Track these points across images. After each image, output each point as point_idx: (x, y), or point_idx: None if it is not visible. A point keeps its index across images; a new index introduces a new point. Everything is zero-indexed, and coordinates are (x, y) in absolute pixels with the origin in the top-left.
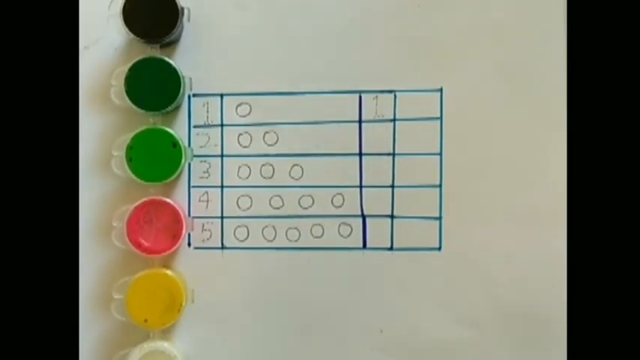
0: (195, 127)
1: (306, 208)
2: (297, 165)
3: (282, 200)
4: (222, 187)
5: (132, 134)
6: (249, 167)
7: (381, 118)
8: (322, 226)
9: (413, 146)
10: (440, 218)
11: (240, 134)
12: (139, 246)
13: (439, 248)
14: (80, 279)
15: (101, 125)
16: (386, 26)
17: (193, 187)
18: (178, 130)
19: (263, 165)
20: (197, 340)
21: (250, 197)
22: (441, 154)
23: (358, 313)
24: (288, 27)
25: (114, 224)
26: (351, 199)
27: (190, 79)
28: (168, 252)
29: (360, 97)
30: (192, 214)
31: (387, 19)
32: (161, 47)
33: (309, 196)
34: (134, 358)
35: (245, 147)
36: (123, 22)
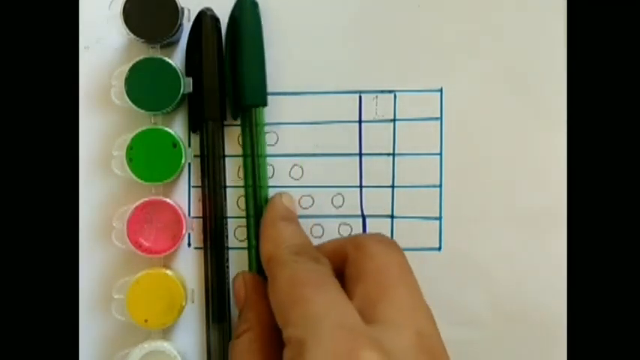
0: None
1: (306, 208)
2: (297, 165)
3: None
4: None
5: (132, 134)
6: None
7: (381, 118)
8: (322, 226)
9: (413, 146)
10: (440, 218)
11: (240, 134)
12: (139, 246)
13: (439, 248)
14: (80, 279)
15: (101, 125)
16: (386, 26)
17: (193, 187)
18: (178, 130)
19: None
20: (197, 340)
21: None
22: (441, 154)
23: None
24: (287, 27)
25: (114, 224)
26: (351, 199)
27: (190, 79)
28: (168, 252)
29: (360, 97)
30: (192, 214)
31: (387, 19)
32: (161, 47)
33: (309, 196)
34: (134, 358)
35: None
36: (123, 23)
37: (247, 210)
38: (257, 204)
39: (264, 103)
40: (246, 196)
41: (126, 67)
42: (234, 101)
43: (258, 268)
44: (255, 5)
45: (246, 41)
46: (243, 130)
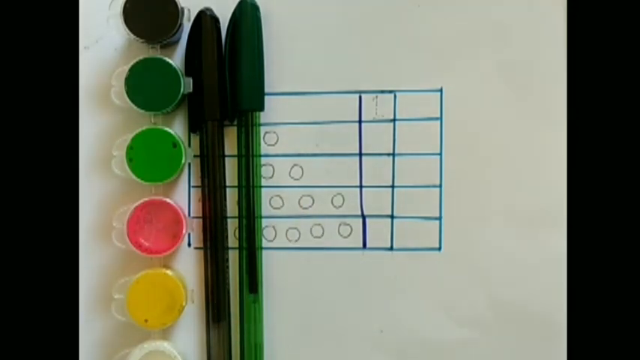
0: None
1: (306, 208)
2: (297, 165)
3: (282, 200)
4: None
5: (132, 134)
6: None
7: (381, 118)
8: (322, 226)
9: (413, 146)
10: (440, 218)
11: None
12: (139, 246)
13: (439, 248)
14: (80, 279)
15: (101, 125)
16: (386, 26)
17: (193, 187)
18: (178, 130)
19: (263, 165)
20: (197, 340)
21: None
22: (441, 154)
23: (358, 313)
24: (288, 27)
25: (114, 224)
26: (351, 199)
27: (190, 79)
28: (168, 252)
29: (360, 97)
30: (192, 214)
31: (387, 19)
32: (161, 47)
33: (309, 196)
34: (134, 358)
35: None
36: (123, 23)
37: (240, 210)
38: (250, 205)
39: (261, 108)
40: (239, 196)
41: (126, 67)
42: (231, 105)
43: (249, 269)
44: (257, 8)
45: (245, 46)
46: (238, 130)
